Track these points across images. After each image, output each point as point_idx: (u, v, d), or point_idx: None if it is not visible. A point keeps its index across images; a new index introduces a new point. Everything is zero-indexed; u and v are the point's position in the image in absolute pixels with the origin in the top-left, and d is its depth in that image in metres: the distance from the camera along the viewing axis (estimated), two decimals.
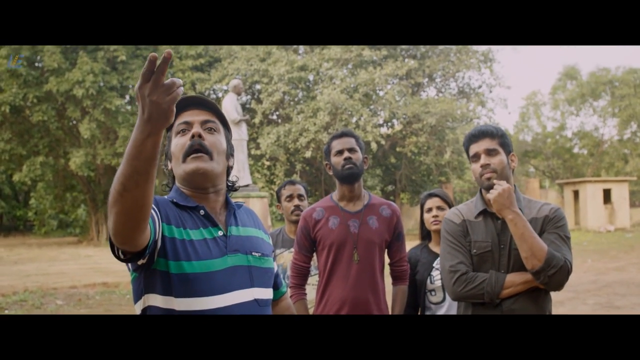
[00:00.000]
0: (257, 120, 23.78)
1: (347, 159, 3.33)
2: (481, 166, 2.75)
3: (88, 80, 21.48)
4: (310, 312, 3.59)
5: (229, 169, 2.15)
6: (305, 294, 3.49)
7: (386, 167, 27.89)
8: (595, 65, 51.52)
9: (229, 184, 2.17)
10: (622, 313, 8.89)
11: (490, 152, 2.76)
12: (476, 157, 2.78)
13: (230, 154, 2.15)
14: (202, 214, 2.00)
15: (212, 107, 2.09)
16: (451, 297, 2.81)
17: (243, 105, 26.00)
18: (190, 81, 24.15)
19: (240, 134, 11.70)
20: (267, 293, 2.08)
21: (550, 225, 2.71)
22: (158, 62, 1.47)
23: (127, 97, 24.68)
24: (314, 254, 3.49)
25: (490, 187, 2.70)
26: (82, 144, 24.16)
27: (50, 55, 21.71)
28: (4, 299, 10.15)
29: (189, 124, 2.02)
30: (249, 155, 23.70)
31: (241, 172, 11.72)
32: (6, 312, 9.14)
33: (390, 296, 3.47)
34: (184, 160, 1.99)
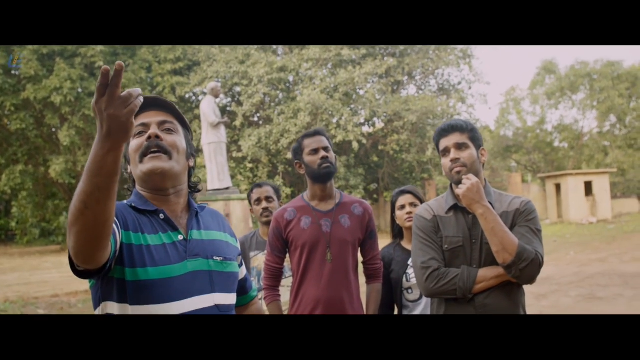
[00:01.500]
0: (238, 123, 23.73)
1: (324, 158, 3.29)
2: (451, 160, 2.73)
3: (66, 87, 21.28)
4: (285, 313, 3.55)
5: (190, 170, 2.10)
6: (279, 296, 3.45)
7: (369, 165, 27.93)
8: (573, 59, 51.93)
9: (191, 186, 2.12)
10: (604, 304, 8.97)
11: (460, 146, 2.74)
12: (446, 151, 2.77)
13: (191, 154, 2.09)
14: (162, 217, 1.95)
15: (170, 108, 2.04)
16: (423, 294, 2.79)
17: (224, 108, 25.90)
18: (170, 85, 24.03)
19: (219, 137, 11.62)
20: (229, 298, 2.03)
21: (522, 219, 2.70)
22: (111, 74, 1.44)
23: None
24: (287, 255, 3.46)
25: (460, 182, 2.69)
26: (62, 151, 23.92)
27: (27, 62, 21.45)
28: None
29: (145, 126, 1.97)
30: (231, 158, 23.64)
31: (221, 175, 11.64)
32: None
33: (365, 295, 3.45)
34: (141, 161, 1.94)
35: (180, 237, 1.94)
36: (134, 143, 1.97)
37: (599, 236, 21.54)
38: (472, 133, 2.77)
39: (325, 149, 3.33)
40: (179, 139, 2.01)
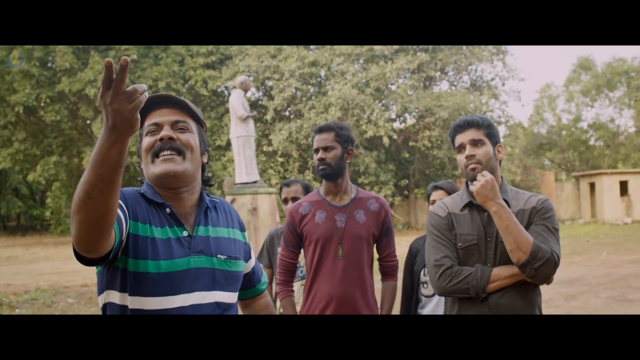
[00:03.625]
0: (269, 117, 23.80)
1: (321, 160, 3.24)
2: (466, 157, 2.68)
3: (100, 80, 21.48)
4: (298, 309, 3.52)
5: (203, 166, 2.08)
6: (293, 291, 3.41)
7: (399, 161, 27.77)
8: (610, 55, 50.96)
9: (204, 180, 2.11)
10: (634, 306, 8.79)
11: (475, 143, 2.69)
12: (461, 147, 2.72)
13: (204, 149, 2.08)
14: (167, 212, 1.94)
15: (183, 106, 2.01)
16: (436, 292, 2.74)
17: (255, 102, 26.00)
18: (202, 78, 24.22)
19: (247, 131, 11.64)
20: (230, 297, 2.01)
21: (538, 217, 2.64)
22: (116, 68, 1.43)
23: None
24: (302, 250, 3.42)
25: (474, 179, 2.64)
26: (95, 143, 24.27)
27: (62, 55, 21.86)
28: (15, 298, 10.23)
29: (158, 126, 1.95)
30: (262, 152, 23.72)
31: (249, 169, 11.66)
32: (17, 311, 9.21)
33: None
34: (153, 161, 1.93)
35: (185, 233, 1.93)
36: (146, 141, 1.96)
37: (633, 237, 21.11)
38: (488, 129, 2.72)
39: (325, 148, 3.25)
40: (192, 138, 1.99)
